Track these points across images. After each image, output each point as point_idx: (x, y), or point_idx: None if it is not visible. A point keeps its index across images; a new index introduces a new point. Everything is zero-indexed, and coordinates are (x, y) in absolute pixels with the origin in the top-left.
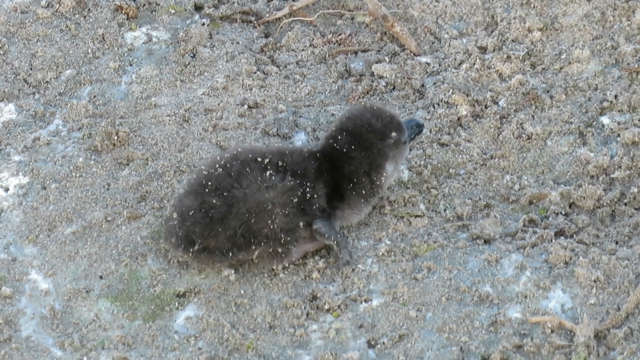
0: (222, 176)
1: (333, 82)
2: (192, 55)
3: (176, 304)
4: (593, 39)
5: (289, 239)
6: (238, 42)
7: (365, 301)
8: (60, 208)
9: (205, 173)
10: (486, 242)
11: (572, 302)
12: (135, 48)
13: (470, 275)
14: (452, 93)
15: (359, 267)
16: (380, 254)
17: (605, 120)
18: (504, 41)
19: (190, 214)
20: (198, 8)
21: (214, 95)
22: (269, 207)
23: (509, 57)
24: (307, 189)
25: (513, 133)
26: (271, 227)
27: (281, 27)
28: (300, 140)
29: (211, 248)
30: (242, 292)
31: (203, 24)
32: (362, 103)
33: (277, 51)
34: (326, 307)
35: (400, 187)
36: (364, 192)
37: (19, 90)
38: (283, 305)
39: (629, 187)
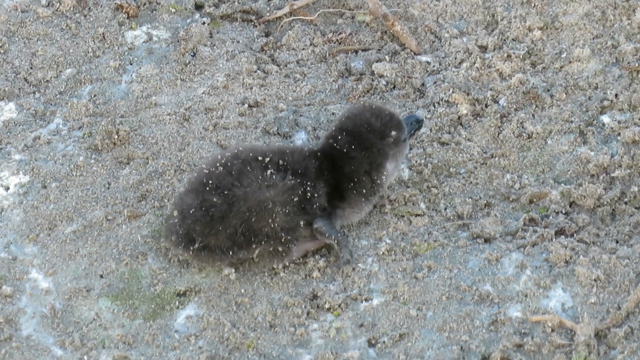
0: (222, 175)
1: (333, 81)
2: (192, 54)
3: (177, 303)
4: (593, 38)
5: (289, 237)
6: (238, 41)
7: (366, 300)
8: (61, 207)
9: (206, 172)
10: (486, 241)
11: (572, 301)
12: (136, 47)
13: (471, 274)
14: (453, 92)
15: (359, 266)
16: (381, 253)
17: (605, 119)
18: (505, 40)
19: (191, 212)
20: (198, 7)
21: (214, 94)
22: (269, 206)
23: (509, 56)
24: (308, 188)
25: (513, 132)
26: (272, 225)
27: (281, 26)
28: (300, 139)
29: (211, 246)
30: (242, 291)
31: (203, 23)
32: (362, 102)
33: (277, 50)
34: (327, 306)
35: (400, 186)
36: (364, 191)
37: (20, 89)
38: (283, 304)
39: (630, 186)
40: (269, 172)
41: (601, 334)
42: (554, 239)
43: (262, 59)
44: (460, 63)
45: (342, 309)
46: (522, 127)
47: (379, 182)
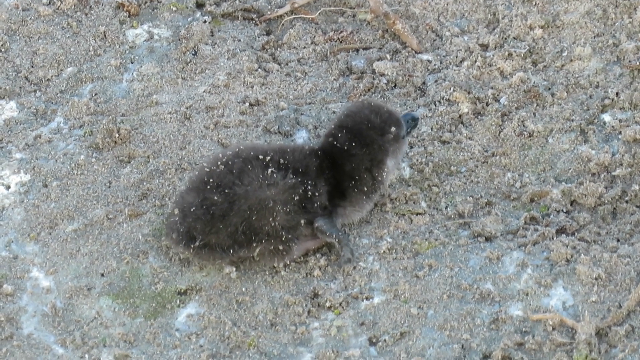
0: (223, 173)
1: (334, 79)
2: (193, 52)
3: (177, 301)
4: (594, 37)
5: (290, 236)
6: (239, 40)
7: (367, 299)
8: (62, 206)
9: (207, 170)
10: (487, 239)
11: (573, 300)
12: (137, 45)
13: (472, 273)
14: (454, 90)
15: (360, 264)
16: (382, 251)
17: (606, 117)
18: (506, 39)
19: (192, 210)
20: (199, 5)
21: (215, 92)
22: (270, 205)
23: (510, 54)
24: (309, 187)
25: (514, 130)
26: (272, 224)
27: (282, 24)
28: (301, 137)
29: (212, 244)
30: (243, 289)
31: (204, 22)
32: (360, 100)
33: (278, 49)
34: (327, 304)
35: (401, 184)
36: (365, 188)
37: (21, 87)
38: (284, 303)
39: (630, 185)
40: (269, 170)
41: (602, 332)
42: (555, 238)
43: (263, 58)
44: (461, 61)
45: (343, 307)
46: (523, 125)
47: (379, 179)
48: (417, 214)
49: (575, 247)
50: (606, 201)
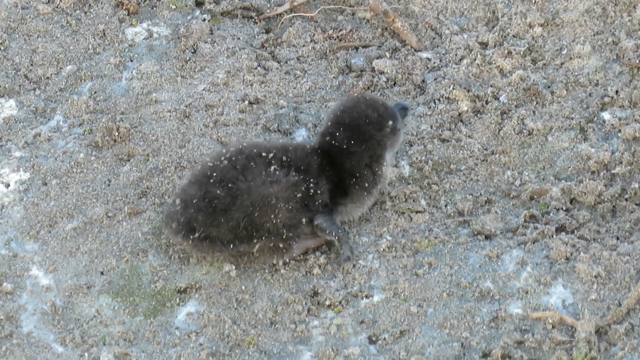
0: (227, 168)
1: (334, 77)
2: (192, 51)
3: (177, 299)
4: (594, 35)
5: (290, 234)
6: (239, 38)
7: (367, 297)
8: (61, 204)
9: (210, 165)
10: (487, 237)
11: (573, 298)
12: (136, 44)
13: (471, 271)
14: (453, 89)
15: (360, 263)
16: (381, 249)
17: (606, 115)
18: (505, 37)
19: (194, 202)
20: (199, 4)
21: (214, 91)
22: (272, 201)
23: (509, 52)
24: (311, 185)
25: (514, 129)
26: (274, 221)
27: (282, 22)
28: (301, 136)
29: (212, 237)
30: (243, 288)
31: (204, 20)
32: (354, 95)
33: (277, 47)
34: (327, 302)
35: (401, 182)
36: (367, 184)
37: (20, 86)
38: (284, 301)
39: (630, 183)
40: (272, 168)
41: (602, 330)
42: (554, 236)
43: (263, 56)
44: (460, 60)
45: (342, 305)
46: (523, 123)
47: (379, 172)
48: (417, 212)
49: (574, 245)
50: (606, 199)
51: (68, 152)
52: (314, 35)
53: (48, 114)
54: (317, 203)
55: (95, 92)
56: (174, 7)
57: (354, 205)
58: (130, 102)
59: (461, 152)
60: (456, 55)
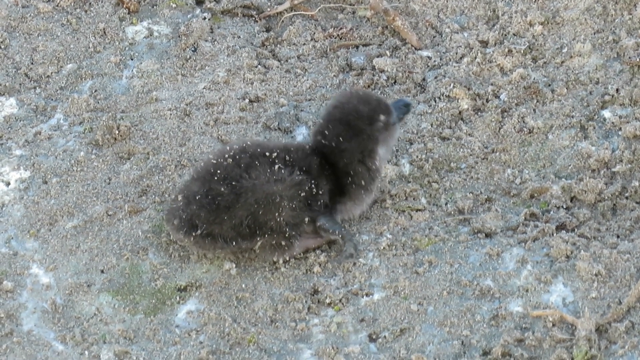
0: (231, 166)
1: (334, 76)
2: (193, 49)
3: (177, 298)
4: (594, 33)
5: (293, 233)
6: (239, 36)
7: (367, 295)
8: (62, 202)
9: (214, 162)
10: (487, 236)
11: (573, 296)
12: (137, 42)
13: (472, 269)
14: (454, 87)
15: (360, 261)
16: (382, 247)
17: (606, 114)
18: (505, 35)
19: (197, 198)
20: (199, 2)
21: (215, 89)
22: (277, 200)
23: (510, 51)
24: (313, 185)
25: (514, 127)
26: (277, 219)
27: (282, 21)
28: (301, 134)
29: (214, 234)
30: (243, 286)
31: (204, 18)
32: (347, 90)
33: (278, 45)
34: (327, 301)
35: (401, 181)
36: (363, 182)
37: (20, 84)
38: (284, 299)
39: (630, 181)
40: (276, 166)
41: (602, 328)
42: (554, 234)
43: (263, 54)
44: (461, 58)
45: (343, 303)
46: (523, 122)
47: (374, 168)
48: (417, 210)
49: (575, 244)
50: (606, 197)
51: (68, 150)
52: (314, 33)
53: (48, 113)
54: (319, 203)
55: (95, 91)
56: (174, 5)
57: (352, 204)
58: (131, 100)
59: (461, 150)
60: (456, 53)
